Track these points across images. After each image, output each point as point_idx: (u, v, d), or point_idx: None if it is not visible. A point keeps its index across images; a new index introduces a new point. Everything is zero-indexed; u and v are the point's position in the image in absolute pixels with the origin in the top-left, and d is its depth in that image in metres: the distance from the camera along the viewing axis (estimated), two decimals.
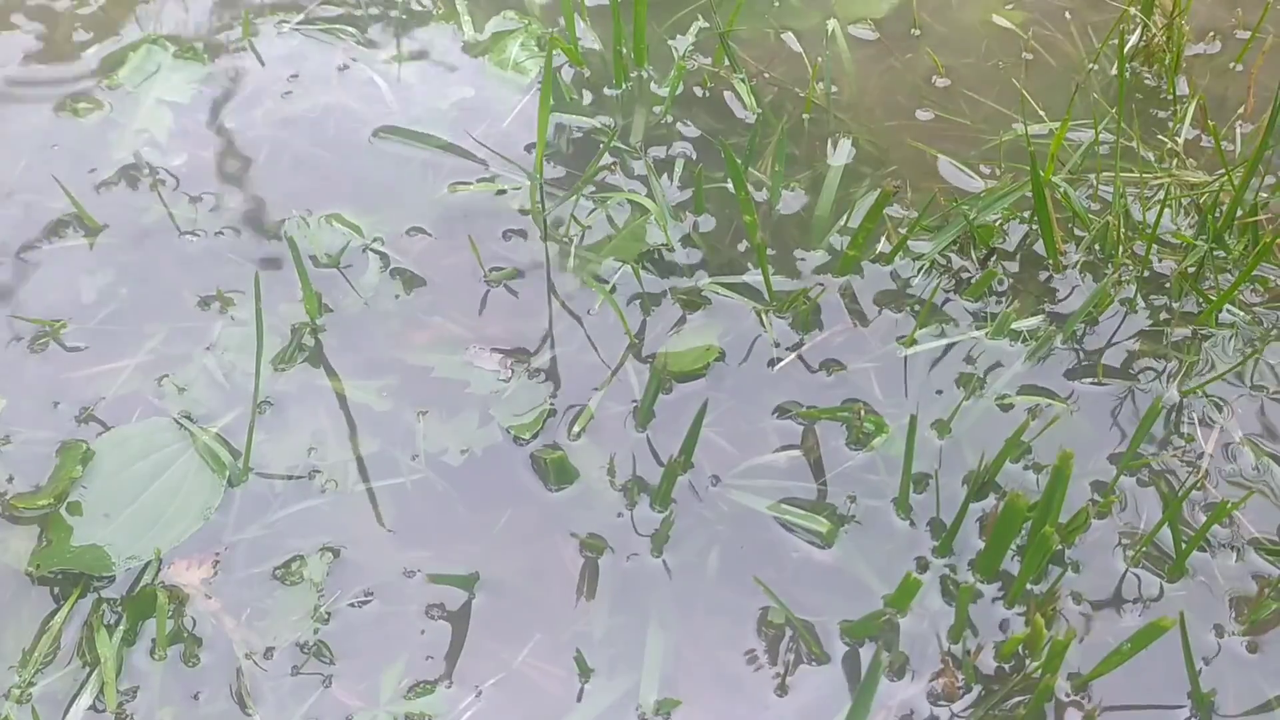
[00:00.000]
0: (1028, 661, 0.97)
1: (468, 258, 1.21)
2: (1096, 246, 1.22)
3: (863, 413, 1.10)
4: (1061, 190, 1.22)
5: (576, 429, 1.10)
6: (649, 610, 1.01)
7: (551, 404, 1.12)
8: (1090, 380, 1.14)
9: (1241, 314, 1.18)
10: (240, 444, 1.07)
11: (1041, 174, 1.15)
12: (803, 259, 1.23)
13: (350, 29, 1.44)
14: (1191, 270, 1.20)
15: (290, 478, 1.07)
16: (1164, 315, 1.18)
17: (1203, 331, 1.17)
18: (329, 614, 0.99)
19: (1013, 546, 1.01)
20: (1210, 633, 0.99)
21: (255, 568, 1.02)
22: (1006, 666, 0.97)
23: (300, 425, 1.10)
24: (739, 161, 1.19)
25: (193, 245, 1.23)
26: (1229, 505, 1.01)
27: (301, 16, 1.44)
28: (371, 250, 1.22)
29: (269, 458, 1.08)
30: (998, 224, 1.24)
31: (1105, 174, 1.27)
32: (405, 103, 1.36)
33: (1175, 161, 1.29)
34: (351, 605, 1.00)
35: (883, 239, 1.23)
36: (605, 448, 1.09)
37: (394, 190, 1.28)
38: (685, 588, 1.02)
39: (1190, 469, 1.08)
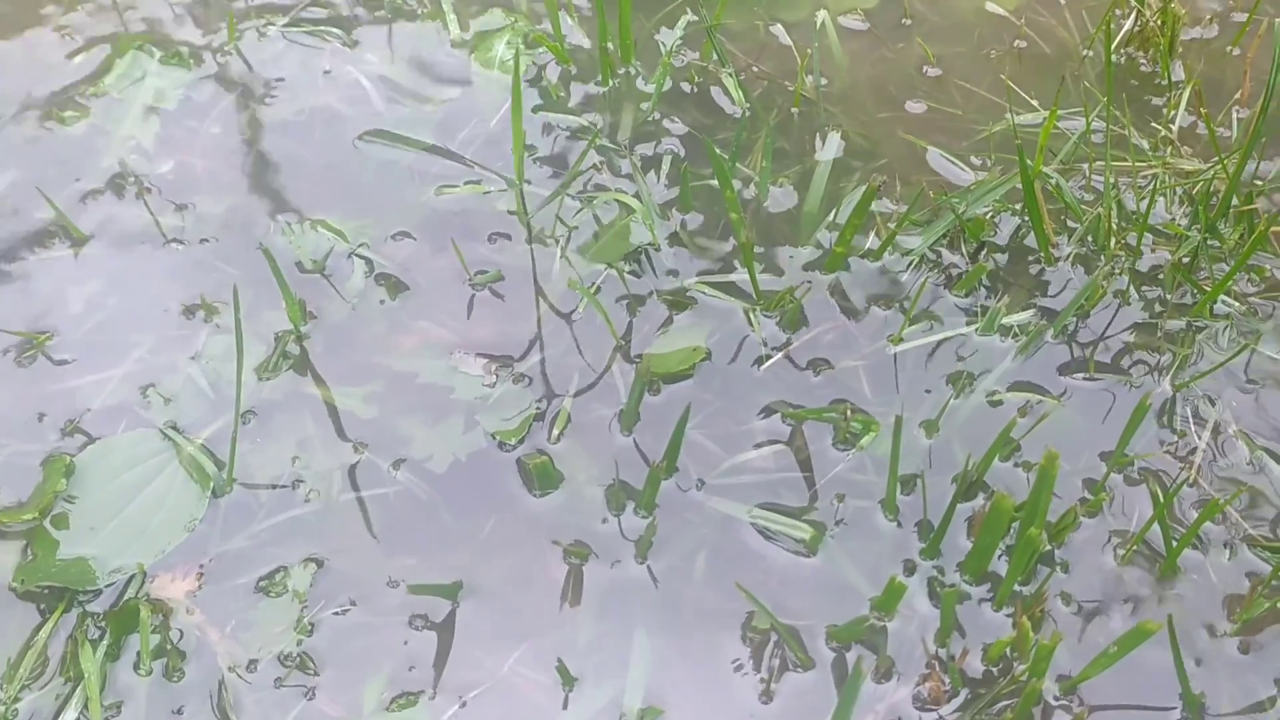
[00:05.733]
0: (1015, 664, 0.96)
1: (453, 261, 1.20)
2: (1089, 238, 1.20)
3: (849, 412, 1.09)
4: (1053, 181, 1.20)
5: (556, 432, 1.09)
6: (634, 617, 1.00)
7: (537, 409, 1.11)
8: (1081, 375, 1.12)
9: (1237, 305, 1.16)
10: (226, 454, 1.07)
11: (1031, 165, 1.14)
12: (791, 256, 1.21)
13: (336, 30, 1.43)
14: (1185, 261, 1.18)
15: (274, 487, 1.07)
16: (1158, 307, 1.16)
17: (1197, 323, 1.15)
18: (312, 625, 0.99)
19: (1000, 547, 1.00)
20: (1203, 632, 0.98)
21: (239, 579, 1.02)
22: (994, 669, 0.96)
23: (285, 434, 1.10)
24: (723, 157, 1.17)
25: (178, 253, 1.22)
26: (1220, 502, 1.00)
27: (287, 20, 1.43)
28: (356, 255, 1.22)
29: (253, 467, 1.08)
30: (988, 217, 1.22)
31: (1098, 163, 1.25)
32: (391, 105, 1.35)
33: (1170, 149, 1.27)
34: (335, 615, 1.00)
35: (871, 235, 1.22)
36: (590, 452, 1.08)
37: (379, 194, 1.27)
38: (670, 594, 1.01)
39: (1183, 465, 1.06)
